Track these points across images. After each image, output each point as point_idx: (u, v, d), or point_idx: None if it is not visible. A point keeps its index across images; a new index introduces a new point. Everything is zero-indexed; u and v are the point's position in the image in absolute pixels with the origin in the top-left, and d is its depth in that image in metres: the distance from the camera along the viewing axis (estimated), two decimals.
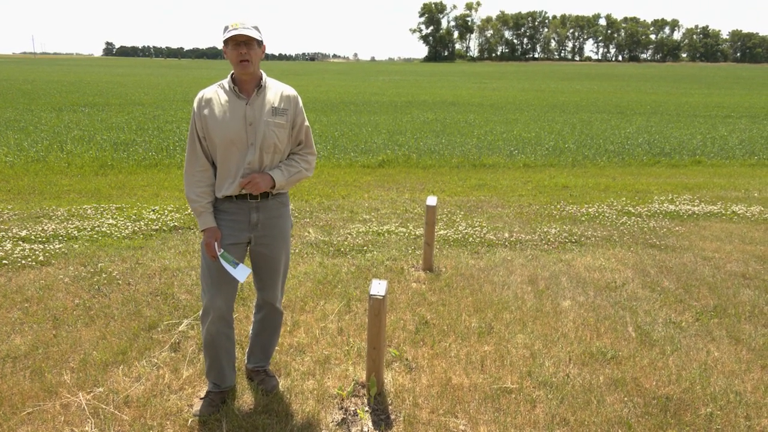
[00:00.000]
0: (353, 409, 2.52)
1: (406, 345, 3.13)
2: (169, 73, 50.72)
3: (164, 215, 5.94)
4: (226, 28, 2.25)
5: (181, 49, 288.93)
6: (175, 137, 11.59)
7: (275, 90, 2.41)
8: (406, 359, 2.96)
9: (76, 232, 5.19)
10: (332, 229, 5.62)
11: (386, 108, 20.40)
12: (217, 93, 2.34)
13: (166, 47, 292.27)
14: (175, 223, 5.65)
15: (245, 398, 2.59)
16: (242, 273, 2.32)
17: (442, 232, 5.54)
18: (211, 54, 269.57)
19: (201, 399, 2.52)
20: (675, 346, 3.18)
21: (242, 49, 2.24)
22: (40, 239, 4.92)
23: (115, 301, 3.61)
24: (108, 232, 5.23)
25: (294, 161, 2.46)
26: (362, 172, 9.24)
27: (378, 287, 2.53)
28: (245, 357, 2.79)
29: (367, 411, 2.50)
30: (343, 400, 2.58)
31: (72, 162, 9.09)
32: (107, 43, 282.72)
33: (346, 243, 5.09)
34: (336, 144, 11.51)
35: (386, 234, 5.46)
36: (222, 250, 2.32)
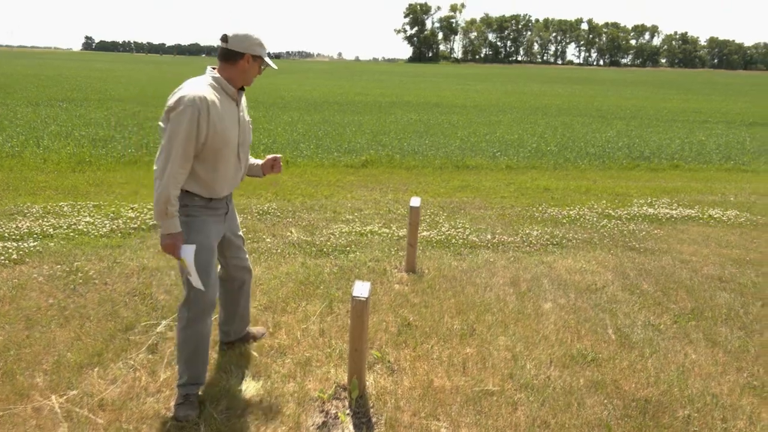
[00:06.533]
0: (334, 412, 2.49)
1: (389, 347, 3.11)
2: (150, 69, 50.00)
3: (143, 213, 5.84)
4: (260, 42, 2.37)
5: (163, 45, 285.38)
6: (155, 134, 11.40)
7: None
8: (388, 361, 2.94)
9: (51, 230, 5.07)
10: (315, 229, 5.58)
11: (370, 108, 20.38)
12: (214, 95, 2.32)
13: (148, 43, 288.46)
14: (155, 222, 5.55)
15: (224, 402, 2.55)
16: (197, 279, 2.36)
17: (425, 233, 5.54)
18: (193, 50, 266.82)
19: (179, 405, 2.44)
20: (654, 349, 3.22)
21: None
22: (14, 237, 4.79)
23: (91, 301, 3.53)
24: (85, 230, 5.12)
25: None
26: (346, 172, 9.20)
27: (361, 289, 2.51)
28: (222, 336, 2.96)
29: (348, 414, 2.48)
30: (324, 403, 2.56)
31: (48, 158, 8.88)
32: (87, 38, 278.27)
33: (328, 243, 5.06)
34: (319, 144, 11.45)
35: (369, 234, 5.44)
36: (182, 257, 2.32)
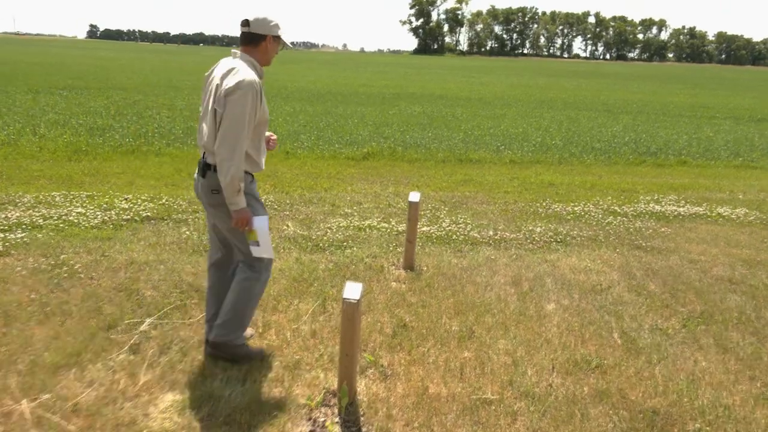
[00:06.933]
0: (322, 420, 2.35)
1: (383, 350, 2.96)
2: (153, 58, 49.75)
3: (137, 204, 5.69)
4: (277, 23, 2.52)
5: (167, 34, 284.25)
6: (154, 123, 11.25)
7: None
8: (382, 366, 2.80)
9: (41, 220, 4.93)
10: (312, 223, 5.42)
11: (373, 100, 20.16)
12: (258, 79, 2.49)
13: (152, 32, 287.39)
14: (148, 213, 5.41)
15: (206, 408, 2.40)
16: (269, 247, 2.61)
17: (425, 228, 5.38)
18: (197, 39, 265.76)
19: (246, 351, 2.74)
20: (661, 355, 3.06)
21: None
22: (1, 227, 4.66)
23: (74, 297, 3.39)
24: (75, 221, 4.98)
25: None
26: (346, 165, 9.03)
27: (352, 290, 2.36)
28: (209, 332, 2.80)
29: (336, 422, 2.34)
30: (311, 410, 2.41)
31: (44, 146, 8.74)
32: (91, 26, 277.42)
33: (325, 238, 4.91)
34: (321, 135, 11.27)
35: (368, 229, 5.29)
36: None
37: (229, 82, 2.34)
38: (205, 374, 2.62)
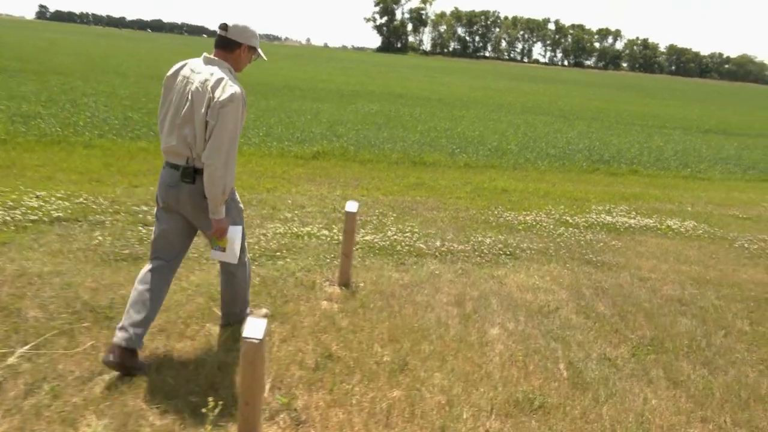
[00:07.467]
0: None
1: (300, 388, 2.57)
2: (105, 43, 47.46)
3: (49, 203, 5.09)
4: (255, 34, 2.60)
5: (123, 19, 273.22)
6: (88, 112, 10.44)
7: None
8: (295, 410, 2.41)
9: None
10: (246, 228, 4.95)
11: (331, 96, 19.67)
12: None
13: (107, 15, 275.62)
14: (60, 214, 4.83)
15: None
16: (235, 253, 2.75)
17: (368, 237, 5.01)
18: (155, 26, 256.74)
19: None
20: (610, 391, 2.80)
21: None
22: None
23: None
24: None
25: None
26: (294, 164, 8.57)
27: (253, 327, 1.96)
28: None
29: None
30: None
31: None
32: (41, 6, 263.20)
33: (257, 247, 4.47)
34: (269, 131, 10.74)
35: (306, 237, 4.88)
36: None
37: (223, 95, 2.39)
38: (76, 426, 2.16)
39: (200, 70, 2.48)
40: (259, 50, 2.66)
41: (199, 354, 2.77)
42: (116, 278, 3.57)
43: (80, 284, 3.41)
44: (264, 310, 3.26)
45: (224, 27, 2.52)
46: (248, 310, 3.11)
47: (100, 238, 4.34)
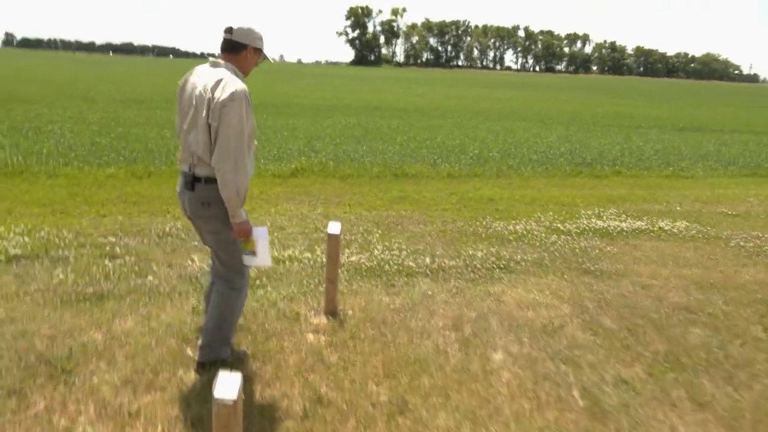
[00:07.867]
0: None
1: None
2: (74, 69, 46.58)
3: (7, 239, 4.70)
4: (260, 36, 2.58)
5: (93, 43, 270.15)
6: (53, 140, 9.98)
7: None
8: None
9: None
10: None
11: (307, 111, 19.40)
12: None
13: (76, 41, 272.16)
14: (18, 251, 4.44)
15: None
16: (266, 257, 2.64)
17: (353, 258, 4.71)
18: (125, 50, 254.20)
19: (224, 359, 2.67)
20: (632, 420, 2.53)
21: None
22: None
23: None
24: None
25: None
26: (272, 183, 8.24)
27: (226, 386, 1.66)
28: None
29: None
30: None
31: None
32: (7, 34, 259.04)
33: None
34: None
35: (287, 261, 4.56)
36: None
37: (223, 95, 2.33)
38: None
39: (205, 75, 2.46)
40: (265, 52, 2.64)
41: (170, 409, 2.43)
42: (77, 322, 3.21)
43: (35, 332, 3.04)
44: (243, 350, 2.95)
45: (229, 30, 2.51)
46: (228, 352, 2.80)
47: (61, 275, 3.97)
